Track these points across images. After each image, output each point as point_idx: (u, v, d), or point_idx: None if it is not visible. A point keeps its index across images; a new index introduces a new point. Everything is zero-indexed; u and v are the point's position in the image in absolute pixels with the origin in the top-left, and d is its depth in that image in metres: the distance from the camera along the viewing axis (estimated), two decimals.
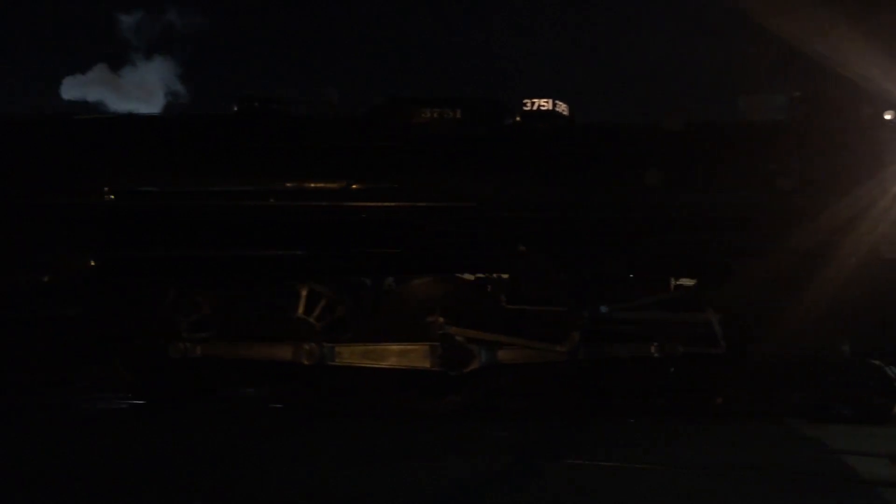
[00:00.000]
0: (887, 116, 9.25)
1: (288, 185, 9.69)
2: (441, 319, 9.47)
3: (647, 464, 6.67)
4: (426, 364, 9.43)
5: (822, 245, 8.97)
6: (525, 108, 9.60)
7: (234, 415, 9.63)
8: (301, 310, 9.88)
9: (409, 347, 9.50)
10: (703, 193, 9.26)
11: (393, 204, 9.51)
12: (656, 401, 9.74)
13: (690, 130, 9.50)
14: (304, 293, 9.90)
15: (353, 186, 9.56)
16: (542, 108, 9.54)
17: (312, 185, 9.67)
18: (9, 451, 7.39)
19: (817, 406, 9.25)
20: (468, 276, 9.89)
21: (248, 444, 7.80)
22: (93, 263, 9.74)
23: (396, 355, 9.52)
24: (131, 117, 10.96)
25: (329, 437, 8.31)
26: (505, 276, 9.74)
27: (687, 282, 9.67)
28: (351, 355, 9.61)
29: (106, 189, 9.71)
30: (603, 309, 9.28)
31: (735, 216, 9.19)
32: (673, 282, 9.66)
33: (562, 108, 9.60)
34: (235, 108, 10.17)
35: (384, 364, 9.54)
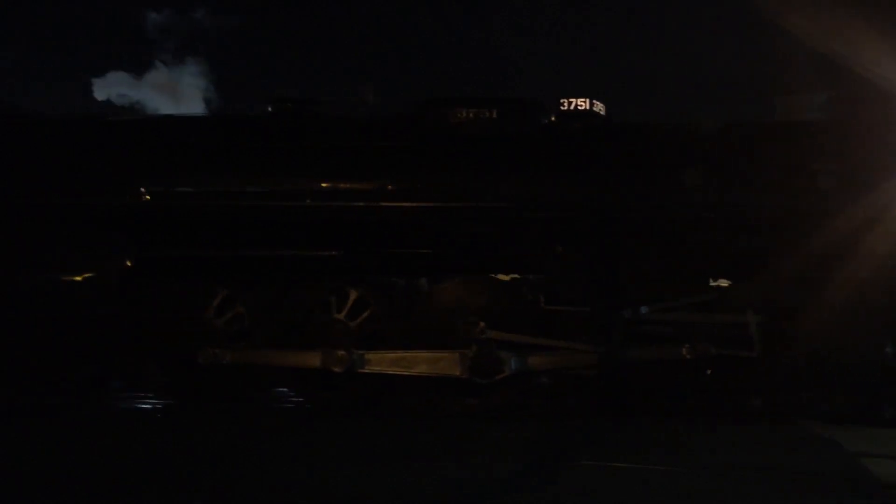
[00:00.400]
0: None
1: (323, 185, 9.68)
2: (481, 324, 9.41)
3: (649, 464, 6.61)
4: (457, 372, 9.36)
5: (863, 245, 8.88)
6: (562, 108, 9.55)
7: (233, 415, 9.49)
8: (339, 311, 9.86)
9: (439, 355, 9.42)
10: (743, 194, 9.18)
11: (431, 204, 9.48)
12: (690, 402, 9.61)
13: (729, 130, 9.40)
14: (337, 295, 9.86)
15: (390, 187, 9.52)
16: (580, 107, 9.49)
17: (347, 185, 9.66)
18: (10, 450, 7.42)
19: (862, 409, 9.07)
20: (504, 277, 9.83)
21: (247, 445, 7.77)
22: (129, 264, 9.75)
23: (427, 363, 9.43)
24: (165, 118, 10.95)
25: (329, 437, 8.26)
26: (543, 277, 9.66)
27: (724, 283, 9.55)
28: (381, 363, 9.53)
29: (142, 190, 9.74)
30: (643, 310, 9.17)
31: (775, 217, 9.11)
32: (712, 283, 9.52)
33: (599, 107, 9.54)
34: (270, 109, 10.19)
35: (415, 371, 9.45)
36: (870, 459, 6.85)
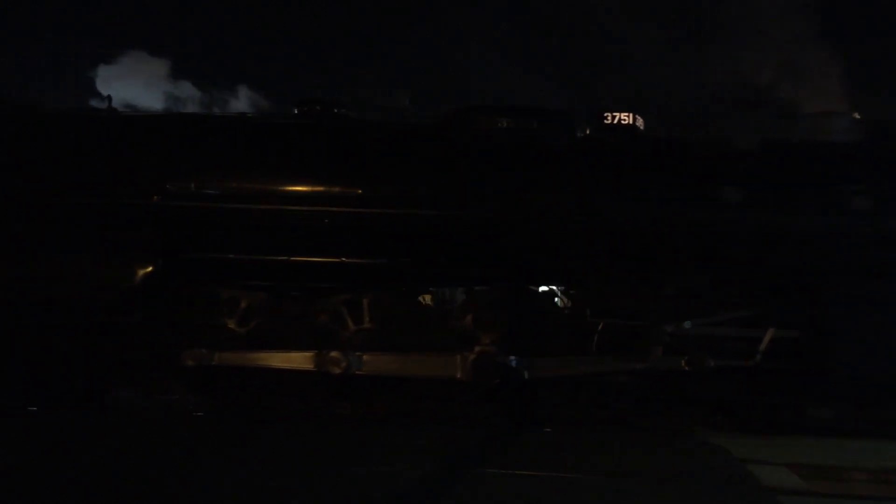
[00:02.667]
0: None
1: (354, 191, 9.37)
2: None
3: (551, 471, 6.67)
4: (458, 374, 9.20)
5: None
6: (605, 121, 9.54)
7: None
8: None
9: (441, 358, 9.26)
10: (779, 212, 9.32)
11: (465, 213, 9.29)
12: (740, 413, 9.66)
13: (765, 149, 9.55)
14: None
15: (423, 194, 9.29)
16: (623, 121, 9.50)
17: (378, 191, 9.37)
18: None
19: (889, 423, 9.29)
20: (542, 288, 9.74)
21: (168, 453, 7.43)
22: (151, 268, 9.20)
23: (429, 365, 9.27)
24: (189, 117, 10.41)
25: (254, 443, 7.88)
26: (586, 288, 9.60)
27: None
28: (378, 364, 9.31)
29: (168, 188, 9.24)
30: (687, 324, 9.22)
31: (810, 234, 9.28)
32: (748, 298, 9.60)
33: (639, 121, 9.58)
34: (295, 111, 9.82)
35: (416, 374, 9.28)
36: (754, 465, 7.10)
